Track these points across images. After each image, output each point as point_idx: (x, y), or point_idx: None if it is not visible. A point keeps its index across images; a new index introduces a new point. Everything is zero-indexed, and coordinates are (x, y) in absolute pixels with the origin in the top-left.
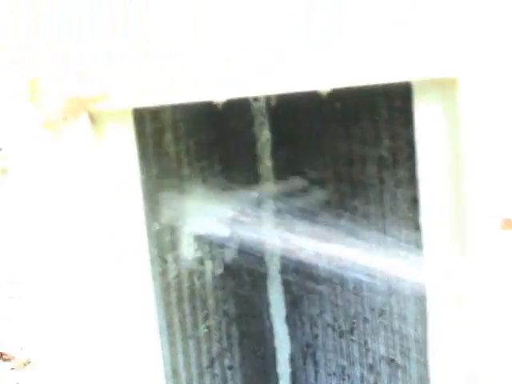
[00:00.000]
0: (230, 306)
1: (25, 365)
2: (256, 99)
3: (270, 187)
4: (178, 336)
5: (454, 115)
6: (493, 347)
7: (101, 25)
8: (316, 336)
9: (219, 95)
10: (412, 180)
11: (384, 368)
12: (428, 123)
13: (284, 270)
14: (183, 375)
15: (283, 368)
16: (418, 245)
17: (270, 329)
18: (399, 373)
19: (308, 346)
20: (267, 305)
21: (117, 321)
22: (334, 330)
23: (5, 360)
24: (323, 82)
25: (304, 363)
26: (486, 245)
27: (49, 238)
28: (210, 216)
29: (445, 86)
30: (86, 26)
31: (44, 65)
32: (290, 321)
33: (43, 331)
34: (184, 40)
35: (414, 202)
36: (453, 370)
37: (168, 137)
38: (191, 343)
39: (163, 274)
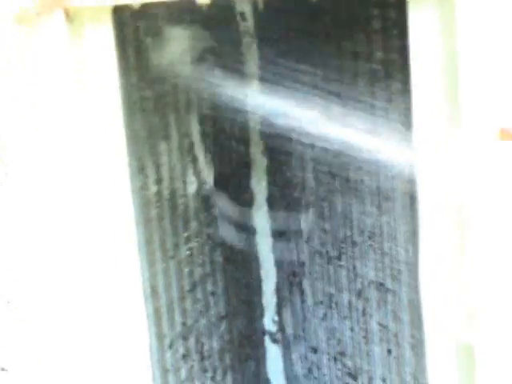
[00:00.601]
0: (214, 229)
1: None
2: (243, 16)
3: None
4: (158, 255)
5: (451, 20)
6: (490, 269)
7: None
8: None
9: None
10: (405, 92)
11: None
12: (423, 29)
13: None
14: (163, 297)
15: (269, 298)
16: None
17: (256, 257)
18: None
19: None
20: (253, 232)
21: (93, 233)
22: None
23: None
24: None
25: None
26: (482, 156)
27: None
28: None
29: None
30: None
31: None
32: (277, 251)
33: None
34: None
35: (407, 115)
36: (446, 297)
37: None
38: (172, 264)
39: (143, 188)
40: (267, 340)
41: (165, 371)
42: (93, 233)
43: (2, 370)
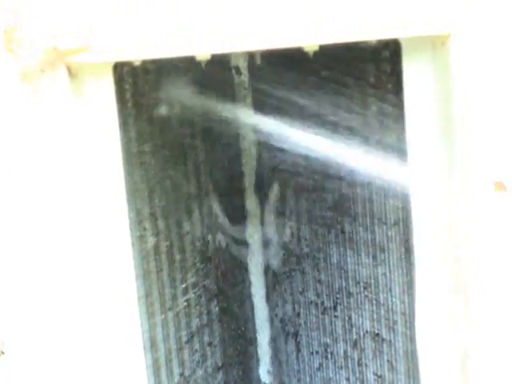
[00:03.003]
0: (210, 281)
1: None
2: (238, 72)
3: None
4: (157, 307)
5: (446, 76)
6: (487, 320)
7: None
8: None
9: (203, 50)
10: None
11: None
12: (417, 85)
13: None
14: (162, 348)
15: (264, 349)
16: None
17: (252, 309)
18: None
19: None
20: (249, 284)
21: (95, 287)
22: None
23: None
24: (309, 38)
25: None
26: (480, 207)
27: (22, 198)
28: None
29: (435, 45)
30: None
31: (21, 13)
32: (272, 302)
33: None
34: None
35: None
36: (442, 346)
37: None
38: (170, 316)
39: (142, 241)
40: None
41: None
42: (94, 286)
43: None
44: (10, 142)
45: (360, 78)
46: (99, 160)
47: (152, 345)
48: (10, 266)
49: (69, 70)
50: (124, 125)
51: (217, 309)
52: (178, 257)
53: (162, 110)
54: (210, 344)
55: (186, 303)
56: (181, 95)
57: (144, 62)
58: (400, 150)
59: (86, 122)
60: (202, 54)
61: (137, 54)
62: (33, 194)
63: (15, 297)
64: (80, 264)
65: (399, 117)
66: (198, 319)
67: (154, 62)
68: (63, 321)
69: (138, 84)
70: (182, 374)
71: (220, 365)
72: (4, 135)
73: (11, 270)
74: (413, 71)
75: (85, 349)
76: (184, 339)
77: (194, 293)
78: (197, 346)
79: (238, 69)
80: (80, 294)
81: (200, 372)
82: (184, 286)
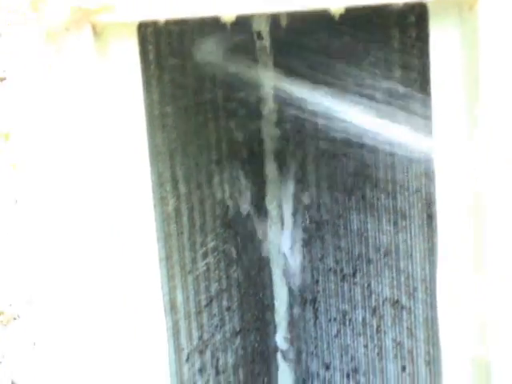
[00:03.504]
0: (230, 245)
1: (14, 319)
2: (260, 37)
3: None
4: (177, 270)
5: (473, 41)
6: (507, 287)
7: None
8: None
9: (228, 10)
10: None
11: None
12: (444, 50)
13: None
14: (181, 311)
15: (281, 315)
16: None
17: (270, 275)
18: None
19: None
20: (266, 250)
21: (118, 248)
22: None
23: None
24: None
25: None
26: (504, 173)
27: (44, 157)
28: None
29: (463, 9)
30: None
31: None
32: (290, 268)
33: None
34: None
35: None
36: (462, 313)
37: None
38: (190, 279)
39: (163, 203)
40: (279, 357)
41: None
42: (116, 247)
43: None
44: (35, 101)
45: (385, 42)
46: (122, 120)
47: (172, 307)
48: (33, 228)
49: (93, 29)
50: (147, 86)
51: (236, 274)
52: (198, 220)
53: (184, 73)
54: (228, 309)
55: (205, 267)
56: (203, 59)
57: (167, 24)
58: (424, 116)
59: (109, 81)
60: (227, 14)
61: (161, 14)
62: (55, 153)
63: (41, 255)
64: (103, 224)
65: (424, 82)
66: (217, 283)
67: (177, 23)
68: (87, 281)
69: (161, 45)
70: (200, 338)
71: (238, 330)
72: (29, 94)
73: (34, 232)
74: (439, 36)
75: (107, 309)
76: (203, 303)
77: (214, 257)
78: (215, 310)
79: (260, 34)
80: (103, 255)
81: (218, 336)
82: (204, 249)
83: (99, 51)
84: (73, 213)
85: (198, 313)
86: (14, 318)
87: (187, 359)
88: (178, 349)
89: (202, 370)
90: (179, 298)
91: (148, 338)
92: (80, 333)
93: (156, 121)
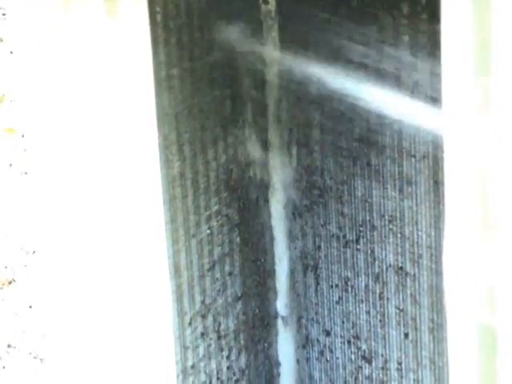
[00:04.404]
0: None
1: (10, 283)
2: (265, 1)
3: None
4: (181, 234)
5: (485, 10)
6: None
7: None
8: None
9: None
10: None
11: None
12: (455, 18)
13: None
14: (185, 275)
15: (282, 281)
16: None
17: (271, 241)
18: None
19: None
20: (269, 216)
21: (124, 210)
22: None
23: None
24: None
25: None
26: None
27: (53, 111)
28: None
29: None
30: None
31: None
32: (291, 234)
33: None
34: None
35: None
36: (468, 280)
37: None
38: (193, 243)
39: (168, 166)
40: (279, 323)
41: (185, 348)
42: (121, 209)
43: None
44: (44, 60)
45: (394, 9)
46: (131, 81)
47: (176, 271)
48: (32, 193)
49: None
50: (154, 47)
51: (238, 239)
52: (202, 184)
53: (191, 36)
54: (230, 274)
55: (208, 231)
56: (209, 23)
57: None
58: (432, 83)
59: (118, 41)
60: None
61: None
62: (64, 110)
63: (44, 213)
64: (108, 186)
65: (433, 50)
66: (219, 248)
67: None
68: (91, 244)
69: (168, 6)
70: (203, 302)
71: (239, 295)
72: (38, 53)
73: (34, 197)
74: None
75: (111, 272)
76: (206, 267)
77: (217, 221)
78: (218, 274)
79: None
80: (108, 218)
81: (220, 301)
82: (208, 213)
83: (108, 10)
84: (77, 173)
85: (201, 277)
86: (10, 282)
87: (190, 323)
88: (181, 312)
89: (203, 334)
90: (183, 262)
91: (153, 301)
92: (82, 295)
93: (163, 82)
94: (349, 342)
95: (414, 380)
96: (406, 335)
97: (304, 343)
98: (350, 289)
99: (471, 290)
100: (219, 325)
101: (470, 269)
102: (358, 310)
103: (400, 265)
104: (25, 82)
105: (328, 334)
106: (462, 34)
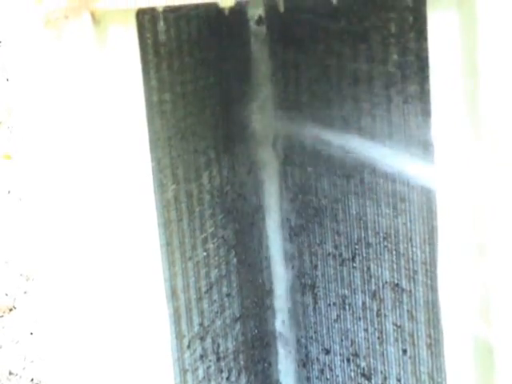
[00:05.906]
0: (228, 231)
1: (10, 310)
2: (257, 22)
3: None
4: (177, 256)
5: (472, 26)
6: (509, 270)
7: None
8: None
9: None
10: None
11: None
12: (442, 34)
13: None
14: (182, 298)
15: (280, 301)
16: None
17: (268, 260)
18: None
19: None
20: (265, 237)
21: (117, 234)
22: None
23: None
24: None
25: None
26: (502, 160)
27: (42, 146)
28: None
29: None
30: None
31: None
32: (288, 254)
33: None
34: None
35: (425, 118)
36: (464, 295)
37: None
38: (190, 265)
39: (163, 190)
40: (279, 342)
41: (184, 371)
42: (116, 234)
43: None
44: (33, 89)
45: (383, 27)
46: (122, 107)
47: (173, 294)
48: (29, 217)
49: (93, 16)
50: (145, 73)
51: (235, 260)
52: (197, 207)
53: (182, 60)
54: (228, 295)
55: (205, 253)
56: (199, 45)
57: (165, 10)
58: (422, 102)
59: (108, 68)
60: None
61: (159, 1)
62: (53, 141)
63: (39, 241)
64: (103, 212)
65: (422, 67)
66: (216, 269)
67: (174, 10)
68: (86, 269)
69: (158, 34)
70: (201, 324)
71: (238, 316)
72: (27, 82)
73: (31, 221)
74: (438, 19)
75: (107, 297)
76: (203, 289)
77: (213, 243)
78: (215, 296)
79: (257, 19)
80: (103, 243)
81: (218, 322)
82: (203, 236)
83: (98, 38)
84: (71, 200)
85: (199, 299)
86: (10, 310)
87: (188, 346)
88: (179, 335)
89: (203, 357)
90: (180, 285)
91: (150, 325)
92: (79, 321)
93: (155, 107)
94: (348, 359)
95: None
96: (405, 351)
97: (304, 362)
98: (347, 307)
99: (466, 305)
100: (218, 346)
101: (464, 284)
102: (356, 327)
103: (396, 281)
104: (21, 109)
105: (327, 352)
106: (449, 53)
